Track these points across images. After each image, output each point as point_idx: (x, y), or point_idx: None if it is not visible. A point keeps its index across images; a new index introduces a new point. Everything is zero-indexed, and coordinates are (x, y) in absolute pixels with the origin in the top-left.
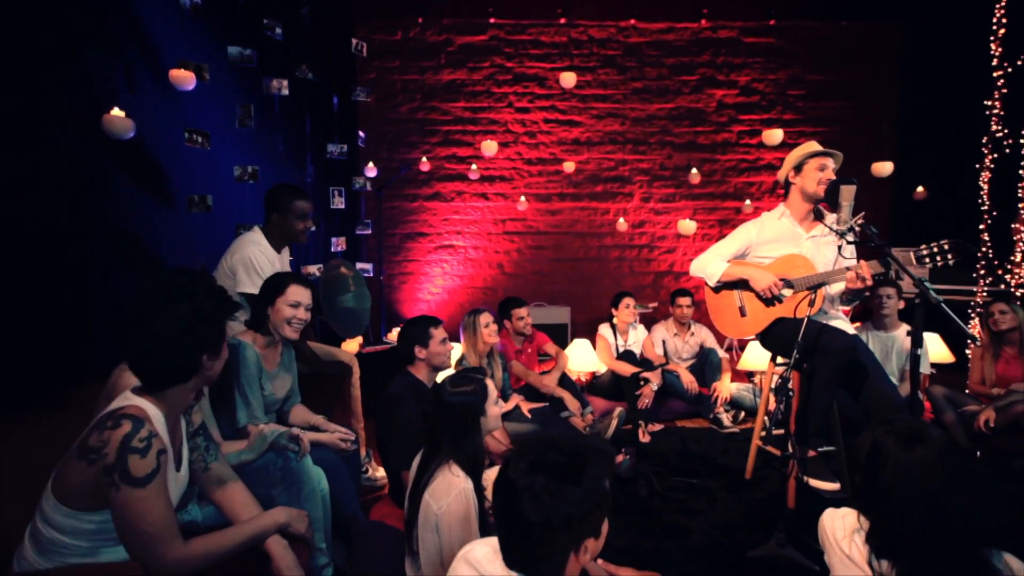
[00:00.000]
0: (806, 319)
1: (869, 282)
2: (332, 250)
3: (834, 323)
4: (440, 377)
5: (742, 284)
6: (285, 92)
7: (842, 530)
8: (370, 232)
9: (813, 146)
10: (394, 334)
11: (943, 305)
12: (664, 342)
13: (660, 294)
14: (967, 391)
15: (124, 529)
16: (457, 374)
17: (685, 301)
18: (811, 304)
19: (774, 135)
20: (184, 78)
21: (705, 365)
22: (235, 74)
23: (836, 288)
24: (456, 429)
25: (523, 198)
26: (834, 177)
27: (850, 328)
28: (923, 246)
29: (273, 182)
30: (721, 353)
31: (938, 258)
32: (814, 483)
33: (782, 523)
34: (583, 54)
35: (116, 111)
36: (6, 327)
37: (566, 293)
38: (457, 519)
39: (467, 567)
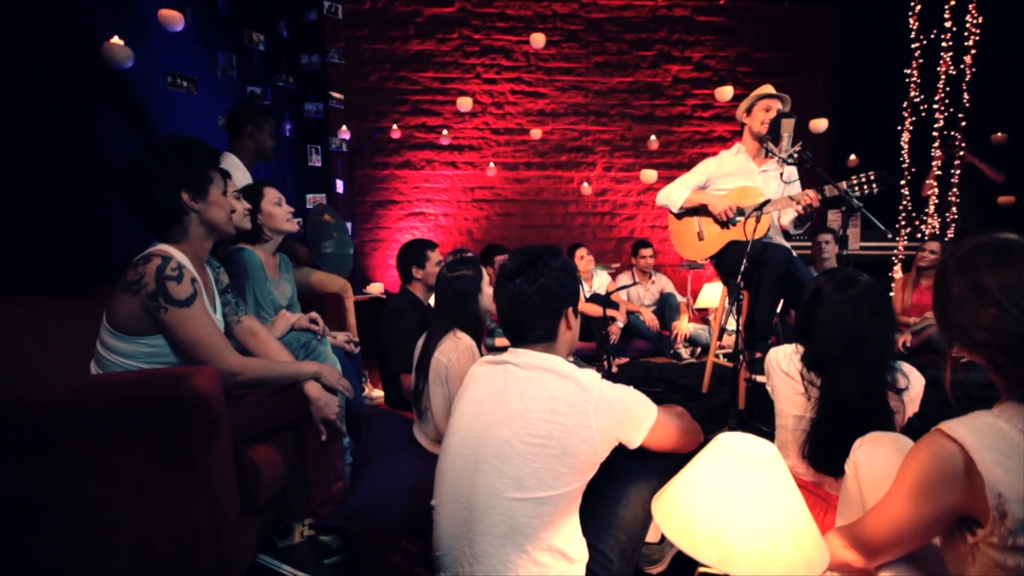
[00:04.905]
0: (751, 240)
1: (816, 204)
2: (307, 207)
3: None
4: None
5: (701, 210)
6: (262, 48)
7: (782, 355)
8: (343, 192)
9: (764, 89)
10: (371, 287)
11: (864, 209)
12: (628, 289)
13: (622, 259)
14: None
15: (184, 344)
16: (453, 261)
17: (647, 252)
18: (758, 220)
19: (725, 92)
20: (173, 18)
21: (665, 309)
22: (212, 26)
23: (786, 218)
24: (459, 302)
25: (492, 164)
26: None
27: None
28: (852, 177)
29: None
30: (680, 297)
31: (865, 187)
32: (759, 378)
33: (733, 411)
34: (547, 28)
35: (116, 39)
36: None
37: None
38: (465, 367)
39: (480, 365)
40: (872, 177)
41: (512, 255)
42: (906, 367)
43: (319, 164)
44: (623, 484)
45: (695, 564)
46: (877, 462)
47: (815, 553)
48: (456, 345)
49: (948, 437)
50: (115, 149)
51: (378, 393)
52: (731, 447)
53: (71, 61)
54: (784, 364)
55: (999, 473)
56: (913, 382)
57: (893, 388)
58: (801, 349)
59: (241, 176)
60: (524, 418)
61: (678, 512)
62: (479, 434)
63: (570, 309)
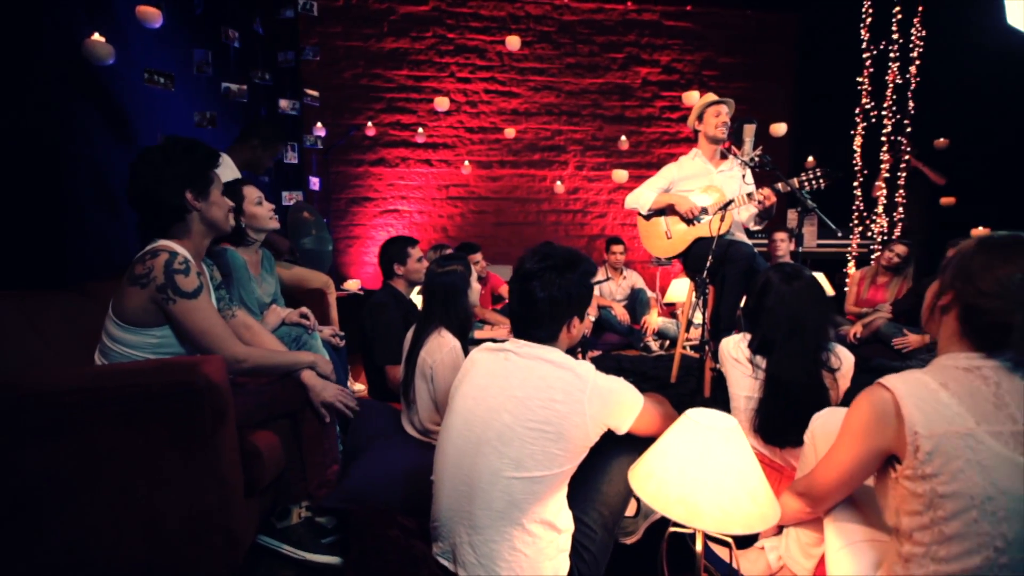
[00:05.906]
0: (717, 236)
1: (772, 199)
2: (283, 204)
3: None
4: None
5: (668, 210)
6: (237, 44)
7: (732, 344)
8: (318, 189)
9: (709, 97)
10: (348, 283)
11: (817, 210)
12: (599, 285)
13: (593, 255)
14: (845, 314)
15: (192, 334)
16: (441, 257)
17: (619, 248)
18: (722, 220)
19: (692, 96)
20: (151, 14)
21: (636, 303)
22: (187, 23)
23: (746, 214)
24: (447, 300)
25: (466, 162)
26: (728, 121)
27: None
28: (802, 173)
29: (229, 130)
30: (649, 293)
31: (814, 182)
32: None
33: (700, 399)
34: (521, 29)
35: (97, 36)
36: None
37: (507, 255)
38: (448, 368)
39: (480, 351)
40: (819, 173)
41: (535, 253)
42: (839, 349)
43: (295, 161)
44: (607, 462)
45: (664, 531)
46: (830, 428)
47: (768, 509)
48: (440, 346)
49: (884, 387)
50: (93, 145)
51: (360, 386)
52: (698, 420)
53: (48, 58)
54: (734, 352)
55: (916, 414)
56: (844, 362)
57: (827, 367)
58: (748, 337)
59: (231, 175)
60: (524, 404)
61: (651, 477)
62: (481, 417)
63: (576, 318)
